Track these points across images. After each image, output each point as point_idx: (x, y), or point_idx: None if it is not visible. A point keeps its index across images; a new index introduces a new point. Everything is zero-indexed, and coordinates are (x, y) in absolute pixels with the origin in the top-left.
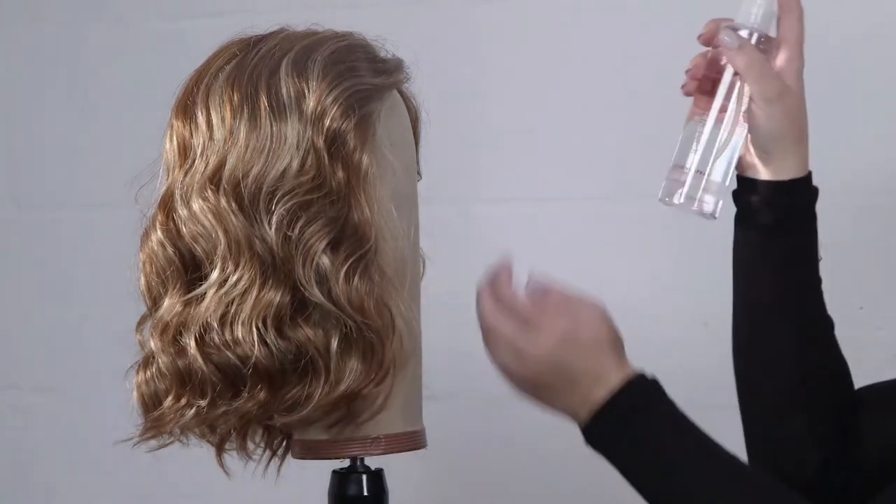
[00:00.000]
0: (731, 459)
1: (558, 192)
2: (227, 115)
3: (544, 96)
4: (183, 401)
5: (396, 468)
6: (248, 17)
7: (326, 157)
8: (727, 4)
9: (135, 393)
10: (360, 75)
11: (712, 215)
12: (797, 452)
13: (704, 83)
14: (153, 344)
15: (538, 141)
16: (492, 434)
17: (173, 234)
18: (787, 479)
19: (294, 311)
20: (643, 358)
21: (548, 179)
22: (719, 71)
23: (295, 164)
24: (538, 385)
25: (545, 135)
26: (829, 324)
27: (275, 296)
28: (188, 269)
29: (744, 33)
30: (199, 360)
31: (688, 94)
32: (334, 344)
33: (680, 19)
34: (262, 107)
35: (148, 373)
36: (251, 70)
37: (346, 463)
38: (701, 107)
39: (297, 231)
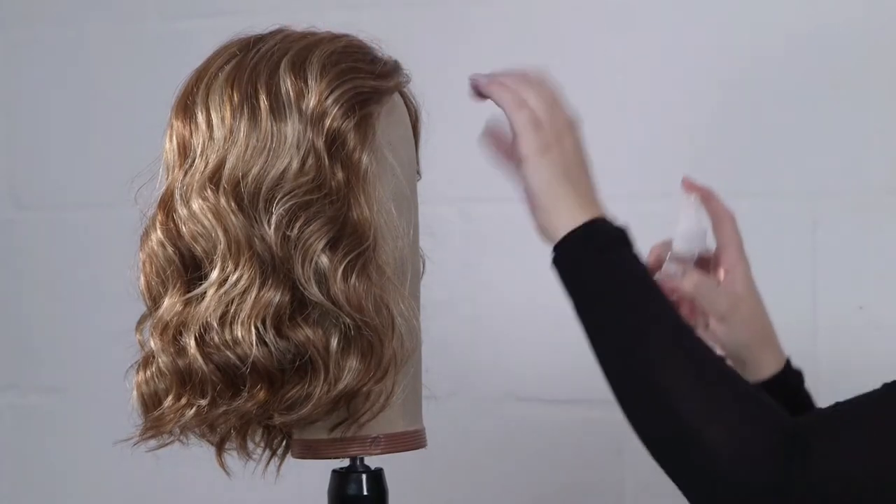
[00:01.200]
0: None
1: None
2: (227, 114)
3: None
4: (183, 400)
5: (396, 468)
6: (248, 17)
7: (326, 157)
8: (726, 4)
9: (135, 393)
10: (360, 76)
11: None
12: None
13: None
14: (153, 343)
15: None
16: (492, 434)
17: (173, 234)
18: None
19: (293, 311)
20: None
21: None
22: (673, 291)
23: (295, 165)
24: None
25: None
26: None
27: (274, 295)
28: (188, 268)
29: (686, 254)
30: (199, 359)
31: None
32: (333, 343)
33: (680, 19)
34: (262, 106)
35: (148, 372)
36: (251, 70)
37: (345, 462)
38: None
39: (296, 230)
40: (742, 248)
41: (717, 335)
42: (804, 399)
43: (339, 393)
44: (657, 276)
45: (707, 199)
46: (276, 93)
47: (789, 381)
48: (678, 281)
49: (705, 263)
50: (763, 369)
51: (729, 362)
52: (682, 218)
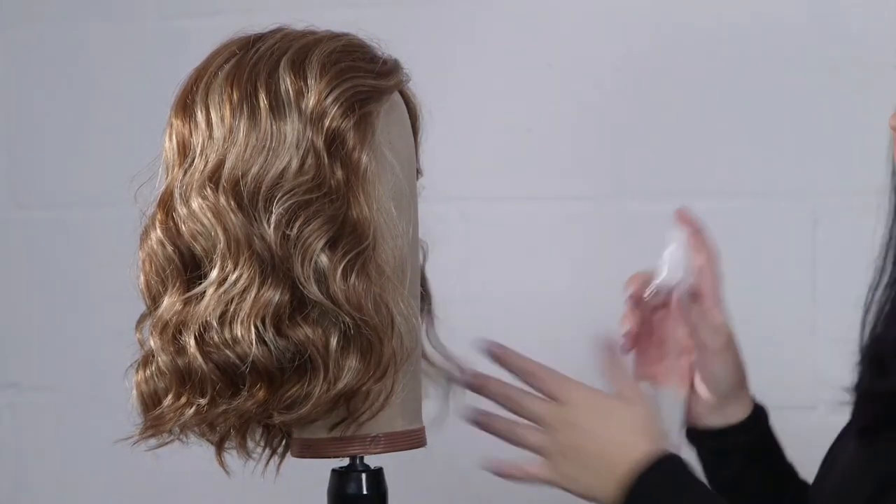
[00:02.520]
0: None
1: (558, 192)
2: (227, 113)
3: (543, 96)
4: (182, 399)
5: (396, 467)
6: (247, 16)
7: (326, 156)
8: (725, 4)
9: (134, 392)
10: (360, 75)
11: None
12: None
13: (643, 339)
14: (153, 343)
15: (537, 140)
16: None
17: (173, 233)
18: None
19: (293, 310)
20: None
21: (547, 179)
22: (654, 331)
23: (294, 164)
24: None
25: (544, 134)
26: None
27: (274, 294)
28: (187, 267)
29: (671, 283)
30: (199, 358)
31: (628, 352)
32: (333, 342)
33: (680, 19)
34: (262, 106)
35: (147, 371)
36: (250, 69)
37: (345, 461)
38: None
39: (295, 230)
40: (720, 288)
41: (708, 369)
42: (772, 438)
43: (339, 392)
44: (645, 296)
45: (696, 235)
46: (275, 92)
47: (761, 418)
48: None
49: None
50: (743, 409)
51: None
52: (671, 248)
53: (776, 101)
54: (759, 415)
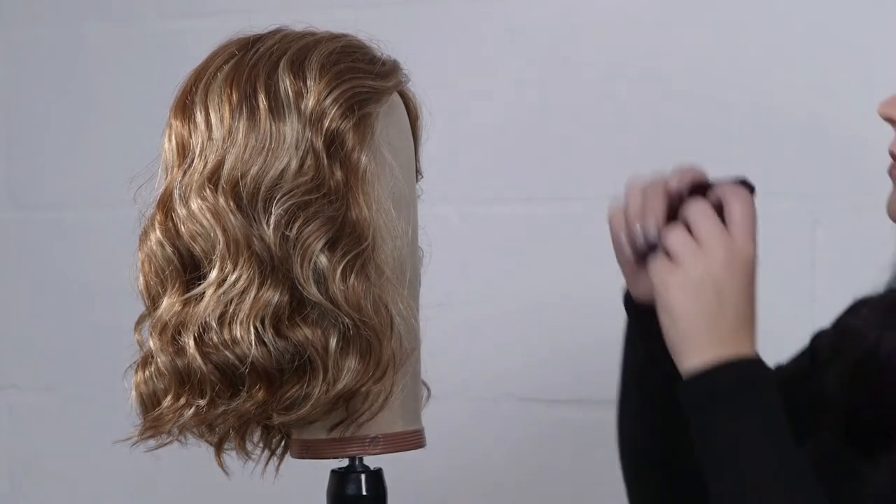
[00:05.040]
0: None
1: (557, 193)
2: (226, 114)
3: (544, 96)
4: (182, 400)
5: (396, 468)
6: (247, 17)
7: (325, 157)
8: (725, 4)
9: (133, 393)
10: (359, 76)
11: None
12: None
13: None
14: (152, 343)
15: (537, 140)
16: (492, 434)
17: (172, 234)
18: None
19: (292, 311)
20: None
21: (547, 180)
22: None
23: (294, 165)
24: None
25: (544, 134)
26: None
27: (273, 295)
28: (187, 268)
29: None
30: (198, 359)
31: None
32: (332, 343)
33: (680, 19)
34: (261, 106)
35: (146, 372)
36: (250, 70)
37: (344, 462)
38: None
39: (295, 230)
40: None
41: None
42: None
43: (338, 393)
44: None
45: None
46: (274, 93)
47: None
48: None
49: None
50: None
51: None
52: None
53: (776, 101)
54: None
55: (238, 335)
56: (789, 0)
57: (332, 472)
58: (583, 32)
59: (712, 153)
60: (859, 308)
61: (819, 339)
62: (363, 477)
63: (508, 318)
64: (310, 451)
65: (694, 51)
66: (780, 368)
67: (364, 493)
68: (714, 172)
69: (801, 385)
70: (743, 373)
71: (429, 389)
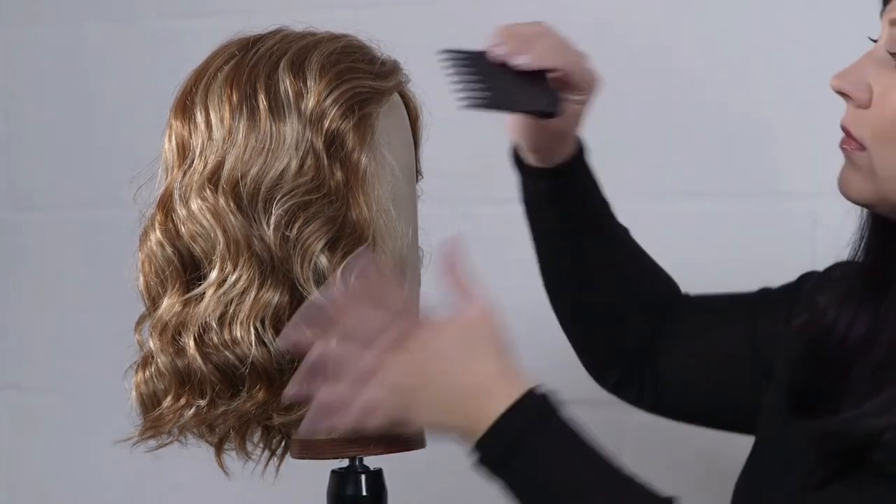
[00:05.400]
0: (617, 477)
1: None
2: (226, 114)
3: None
4: (182, 401)
5: (396, 468)
6: (247, 17)
7: (325, 157)
8: (725, 5)
9: (133, 393)
10: (360, 77)
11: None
12: (596, 368)
13: None
14: (152, 344)
15: None
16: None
17: (172, 234)
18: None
19: (292, 311)
20: None
21: None
22: None
23: (294, 165)
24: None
25: None
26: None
27: (273, 296)
28: (187, 268)
29: None
30: (198, 359)
31: None
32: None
33: (680, 20)
34: (261, 107)
35: (147, 373)
36: (250, 70)
37: (344, 462)
38: None
39: (295, 231)
40: None
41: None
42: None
43: None
44: None
45: None
46: (275, 93)
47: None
48: None
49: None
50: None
51: None
52: None
53: (776, 101)
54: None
55: (238, 335)
56: (789, 2)
57: (332, 472)
58: (583, 32)
59: (712, 153)
60: (835, 271)
61: (805, 280)
62: (363, 477)
63: (508, 319)
64: (310, 451)
65: (694, 51)
66: (767, 290)
67: (364, 493)
68: (714, 173)
69: (776, 311)
70: (514, 422)
71: None
